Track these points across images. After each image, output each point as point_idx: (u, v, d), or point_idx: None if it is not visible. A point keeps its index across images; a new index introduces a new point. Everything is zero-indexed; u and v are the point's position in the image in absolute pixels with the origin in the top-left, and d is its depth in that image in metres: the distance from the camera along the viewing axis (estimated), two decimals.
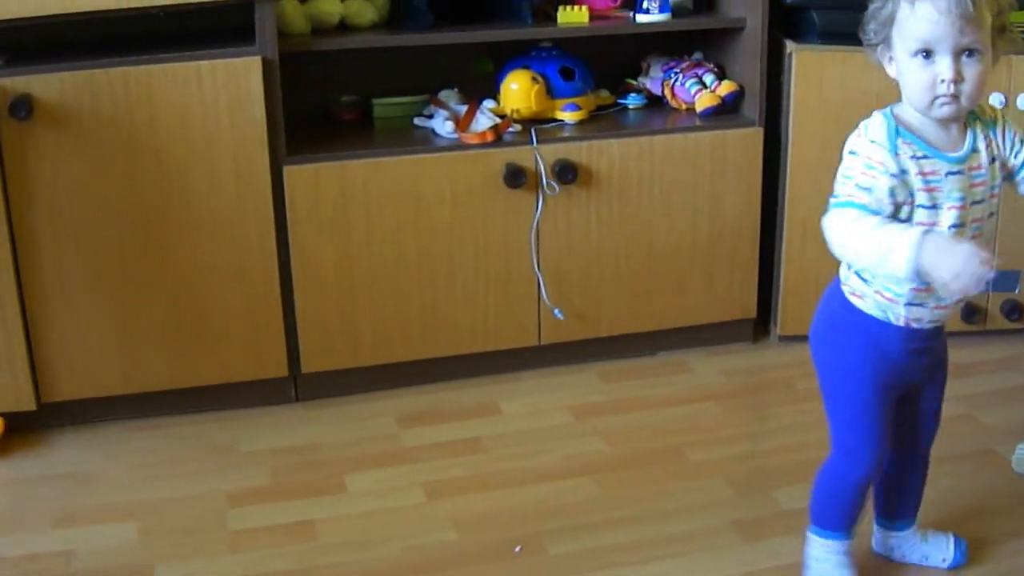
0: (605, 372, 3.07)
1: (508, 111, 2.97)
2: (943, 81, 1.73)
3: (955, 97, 1.74)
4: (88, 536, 2.38)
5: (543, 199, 2.89)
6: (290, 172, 2.73)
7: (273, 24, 2.63)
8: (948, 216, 1.80)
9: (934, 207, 1.79)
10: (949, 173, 1.80)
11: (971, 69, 1.74)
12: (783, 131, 3.02)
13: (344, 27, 2.92)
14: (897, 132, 1.78)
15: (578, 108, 3.01)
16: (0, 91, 2.50)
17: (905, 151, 1.77)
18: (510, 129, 2.92)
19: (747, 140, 3.02)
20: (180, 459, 2.68)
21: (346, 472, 2.59)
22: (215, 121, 2.64)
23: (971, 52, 1.73)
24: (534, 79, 2.97)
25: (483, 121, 2.91)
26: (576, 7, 2.95)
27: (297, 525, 2.39)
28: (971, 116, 1.85)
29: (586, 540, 2.31)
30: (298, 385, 2.92)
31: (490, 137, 2.85)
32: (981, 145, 1.84)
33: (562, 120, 3.00)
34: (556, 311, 2.98)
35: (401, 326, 2.91)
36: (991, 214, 1.87)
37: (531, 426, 2.80)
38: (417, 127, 3.01)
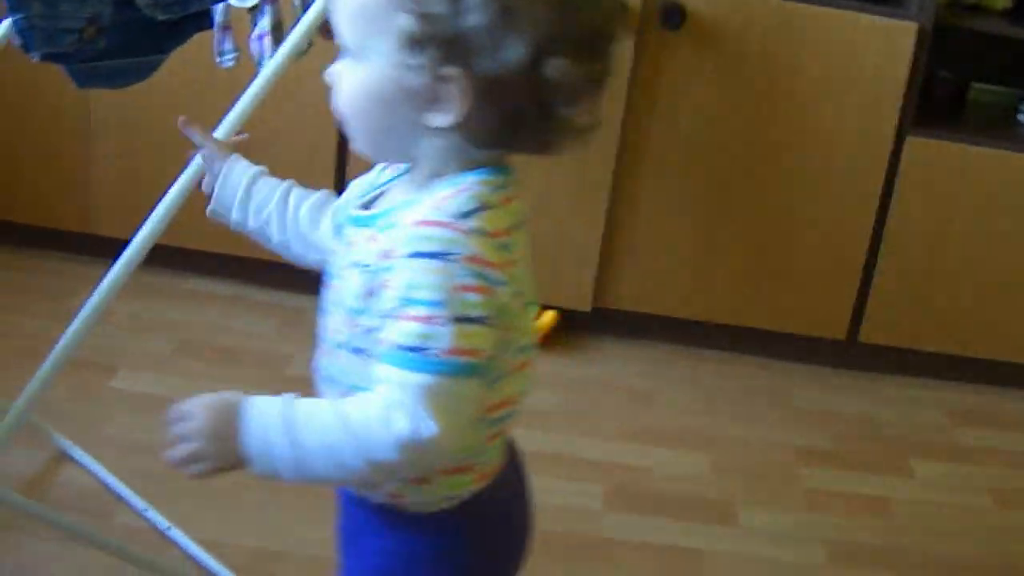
0: None
1: None
2: None
3: None
4: (660, 456, 2.44)
5: None
6: (912, 144, 2.67)
7: None
8: None
9: None
10: None
11: None
12: None
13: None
14: None
15: None
16: None
17: None
18: None
19: None
20: (740, 397, 2.71)
21: (910, 456, 2.55)
22: (855, 77, 2.60)
23: None
24: None
25: None
26: None
27: (872, 500, 2.37)
28: None
29: None
30: (852, 352, 2.89)
31: None
32: None
33: None
34: None
35: (969, 321, 2.82)
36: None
37: None
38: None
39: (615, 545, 2.14)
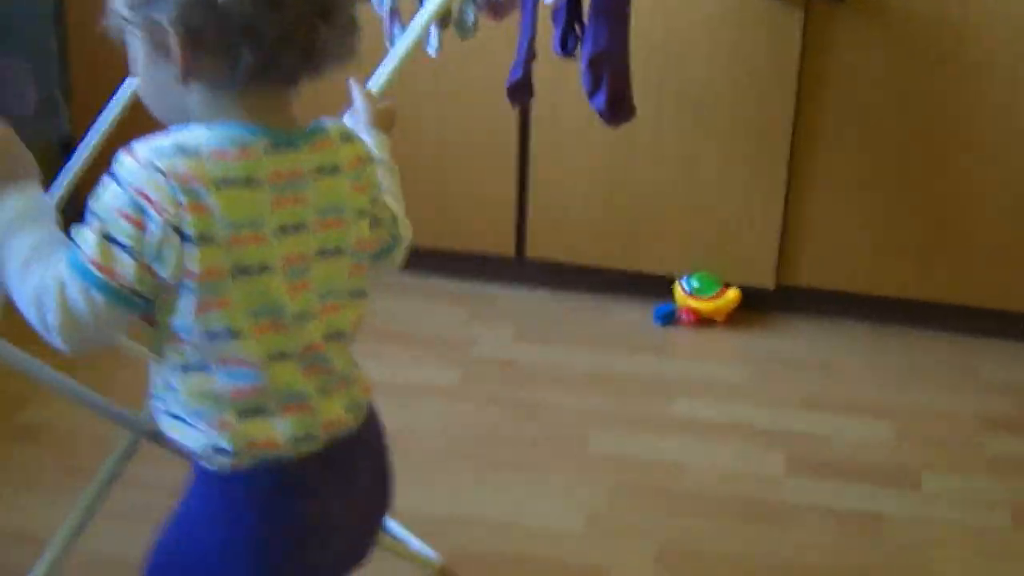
0: None
1: None
2: None
3: None
4: (842, 425, 2.46)
5: None
6: None
7: None
8: None
9: None
10: None
11: None
12: None
13: None
14: None
15: None
16: None
17: None
18: None
19: None
20: (923, 370, 2.70)
21: None
22: None
23: None
24: None
25: None
26: None
27: None
28: None
29: None
30: None
31: None
32: None
33: None
34: None
35: None
36: None
37: None
38: None
39: (797, 510, 2.17)
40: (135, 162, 1.11)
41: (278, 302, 1.17)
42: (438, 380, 2.57)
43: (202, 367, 1.17)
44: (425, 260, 2.93)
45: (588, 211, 2.87)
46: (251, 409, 1.18)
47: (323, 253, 1.20)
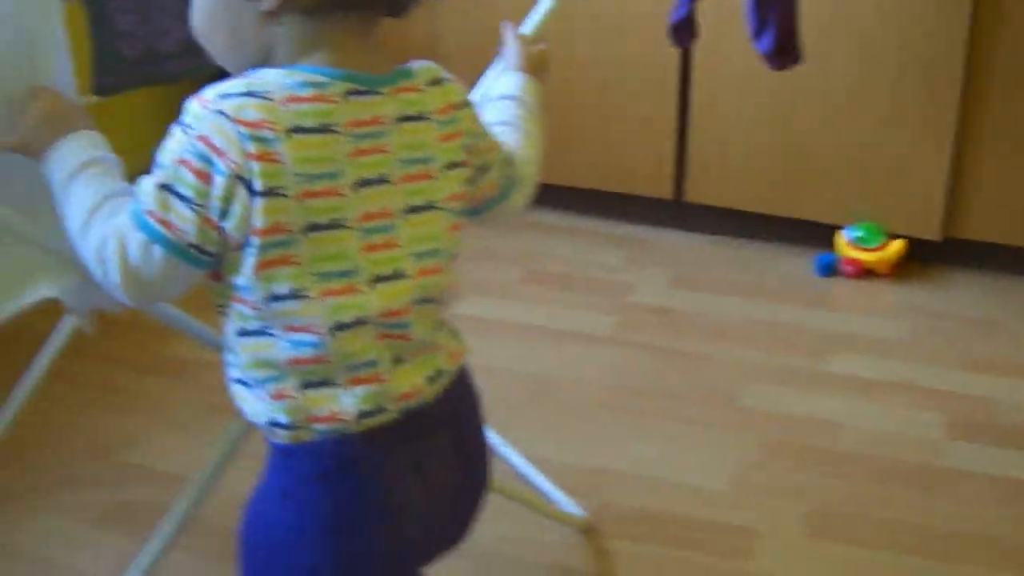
0: None
1: None
2: None
3: None
4: (1005, 388, 2.37)
5: None
6: None
7: None
8: None
9: None
10: None
11: None
12: None
13: None
14: None
15: None
16: None
17: None
18: None
19: None
20: None
21: None
22: None
23: None
24: None
25: None
26: None
27: None
28: None
29: None
30: None
31: None
32: None
33: None
34: None
35: None
36: None
37: None
38: None
39: (955, 475, 2.11)
40: (201, 107, 1.03)
41: (353, 262, 1.08)
42: (592, 326, 2.56)
43: (263, 331, 1.09)
44: (583, 200, 2.93)
45: (749, 156, 2.81)
46: (314, 380, 1.10)
47: (412, 209, 1.11)
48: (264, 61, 1.09)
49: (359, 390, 1.10)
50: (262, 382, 1.11)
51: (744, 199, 2.87)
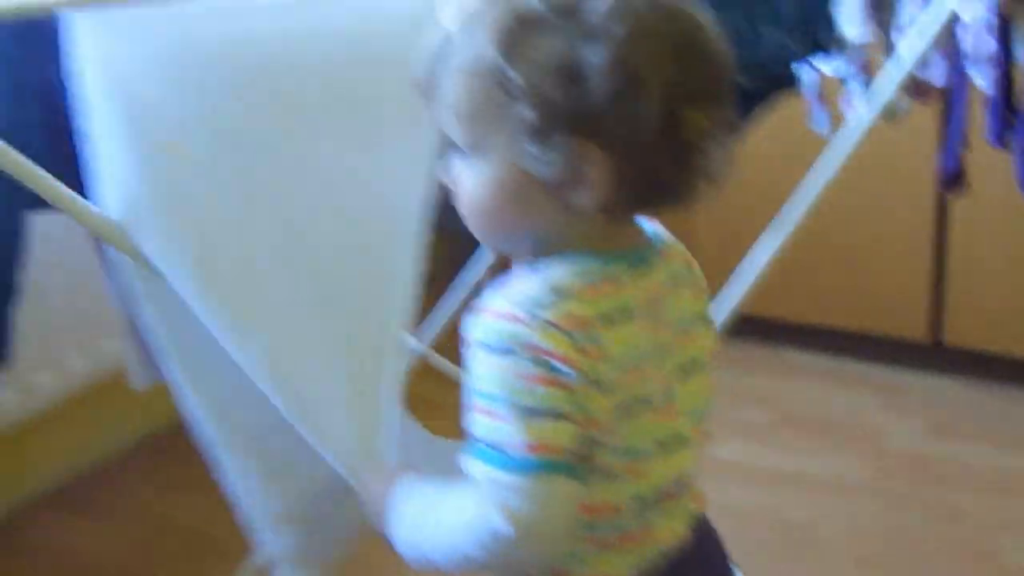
0: None
1: None
2: None
3: None
4: None
5: None
6: None
7: None
8: None
9: None
10: None
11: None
12: None
13: None
14: None
15: None
16: None
17: None
18: None
19: None
20: None
21: None
22: None
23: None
24: None
25: None
26: None
27: None
28: None
29: None
30: None
31: None
32: None
33: None
34: None
35: None
36: None
37: None
38: None
39: None
40: (512, 322, 0.97)
41: (651, 435, 1.04)
42: (845, 473, 2.48)
43: None
44: (835, 340, 2.88)
45: (1011, 298, 2.70)
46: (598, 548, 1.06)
47: (684, 371, 1.08)
48: (538, 248, 1.04)
49: (629, 550, 1.08)
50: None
51: (1007, 342, 2.76)
